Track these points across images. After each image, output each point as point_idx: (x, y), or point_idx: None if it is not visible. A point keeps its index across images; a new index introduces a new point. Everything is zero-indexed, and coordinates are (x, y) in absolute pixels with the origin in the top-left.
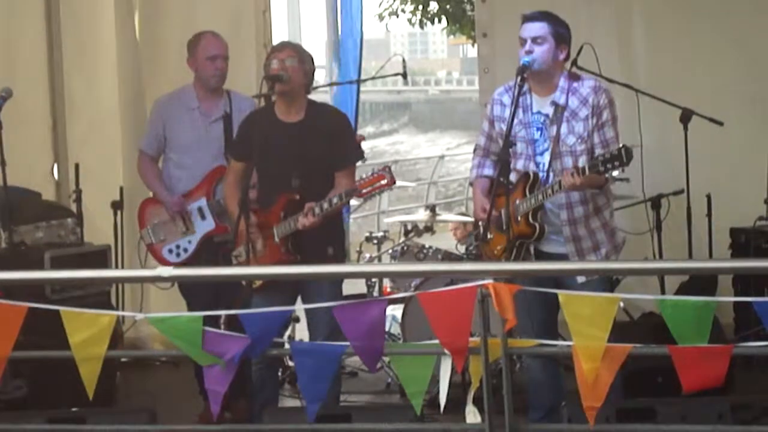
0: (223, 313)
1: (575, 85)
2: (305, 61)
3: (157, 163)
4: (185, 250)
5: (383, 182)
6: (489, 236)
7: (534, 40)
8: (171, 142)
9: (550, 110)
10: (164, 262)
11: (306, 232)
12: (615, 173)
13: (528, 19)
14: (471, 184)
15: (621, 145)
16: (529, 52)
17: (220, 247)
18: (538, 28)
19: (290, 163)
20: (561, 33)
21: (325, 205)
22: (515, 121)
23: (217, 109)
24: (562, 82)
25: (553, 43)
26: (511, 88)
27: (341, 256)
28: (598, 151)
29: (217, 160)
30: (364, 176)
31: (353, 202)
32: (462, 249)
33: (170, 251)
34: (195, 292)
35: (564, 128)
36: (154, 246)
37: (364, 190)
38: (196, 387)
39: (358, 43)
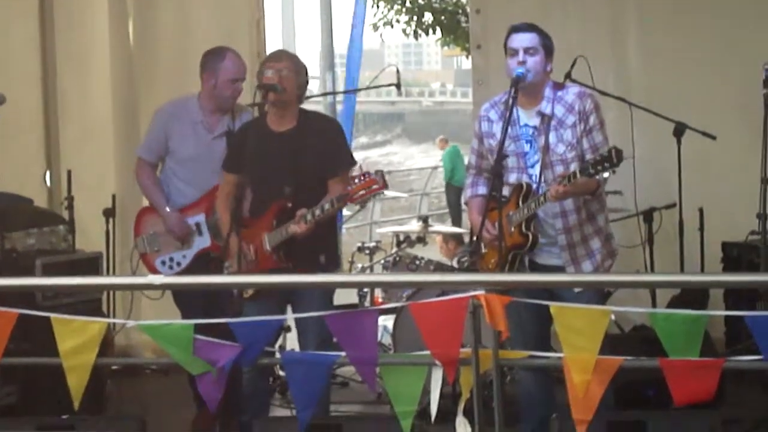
0: (214, 321)
1: (560, 93)
2: (300, 72)
3: (156, 171)
4: (178, 263)
5: (375, 186)
6: (483, 250)
7: (527, 50)
8: (173, 153)
9: (536, 121)
10: (156, 273)
11: (298, 240)
12: (606, 175)
13: (517, 29)
14: (466, 204)
15: (612, 147)
16: (523, 63)
17: (212, 259)
18: (529, 39)
19: (282, 171)
20: (548, 45)
21: (317, 212)
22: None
23: (220, 124)
24: (547, 92)
25: (543, 54)
26: (496, 103)
27: (334, 265)
28: (588, 156)
29: (220, 177)
30: (356, 181)
31: (346, 212)
32: (454, 260)
33: (163, 263)
34: (189, 304)
35: (552, 137)
36: (147, 256)
37: (356, 195)
38: (187, 395)
39: (360, 54)
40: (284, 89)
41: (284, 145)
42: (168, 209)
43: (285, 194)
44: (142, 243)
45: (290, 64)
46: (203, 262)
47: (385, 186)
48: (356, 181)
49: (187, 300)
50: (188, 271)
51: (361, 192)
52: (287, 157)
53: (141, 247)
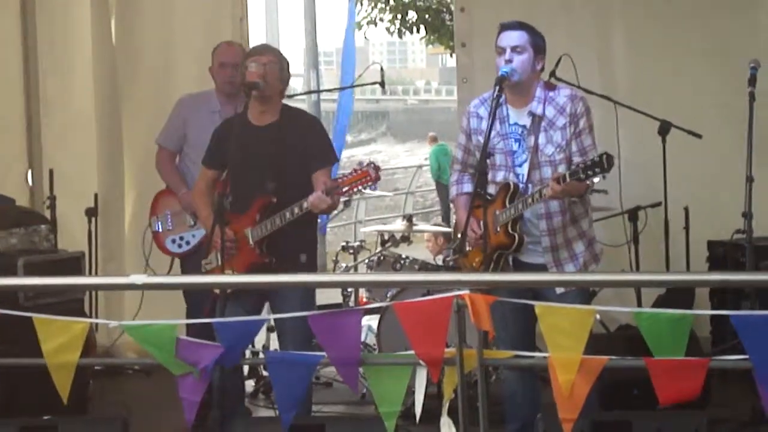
0: (198, 321)
1: (551, 94)
2: (283, 66)
3: (175, 158)
4: (188, 242)
5: (367, 179)
6: (467, 248)
7: (514, 49)
8: (190, 141)
9: (527, 121)
10: (166, 252)
11: (280, 238)
12: (596, 180)
13: (506, 28)
14: (452, 201)
15: (603, 152)
16: (509, 62)
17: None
18: (517, 37)
19: (265, 166)
20: (538, 43)
21: (305, 205)
22: (493, 132)
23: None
24: (539, 92)
25: (531, 52)
26: (486, 100)
27: (313, 264)
28: (576, 159)
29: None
30: (347, 173)
31: None
32: (439, 259)
33: (173, 241)
34: (196, 297)
35: (542, 138)
36: (159, 234)
37: (346, 187)
38: (169, 395)
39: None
40: (267, 84)
41: (266, 139)
42: (184, 189)
43: (268, 189)
44: (155, 222)
45: (273, 57)
46: None
47: (378, 178)
48: (347, 173)
49: (194, 295)
50: (196, 250)
51: (352, 184)
52: (269, 151)
53: (154, 226)
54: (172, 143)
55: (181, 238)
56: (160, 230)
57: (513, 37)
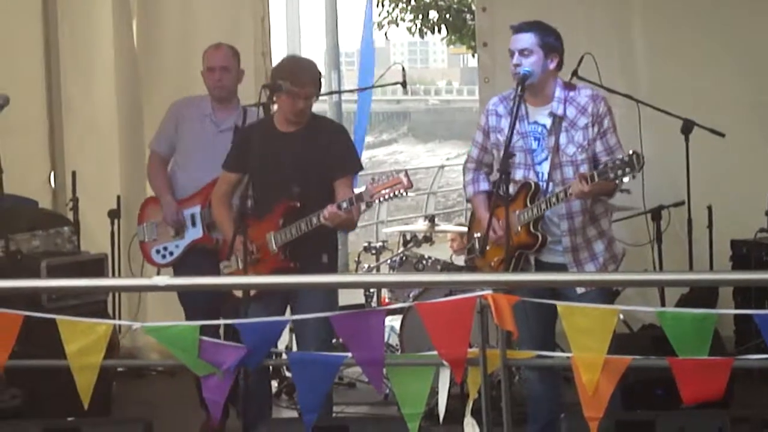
0: (220, 322)
1: (572, 94)
2: (319, 86)
3: (167, 164)
4: (171, 253)
5: (398, 185)
6: (486, 247)
7: (521, 52)
8: (180, 144)
9: (547, 121)
10: (151, 262)
11: (301, 240)
12: (626, 179)
13: (515, 30)
14: (469, 200)
15: (632, 151)
16: (517, 65)
17: (207, 253)
18: (524, 39)
19: (289, 172)
20: (549, 42)
21: (345, 205)
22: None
23: (228, 120)
24: (558, 92)
25: (541, 53)
26: (505, 98)
27: (334, 265)
28: (603, 158)
29: (220, 170)
30: (376, 179)
31: None
32: (461, 260)
33: (157, 252)
34: (193, 301)
35: (563, 138)
36: (145, 244)
37: (377, 194)
38: (192, 397)
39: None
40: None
41: (291, 146)
42: (168, 197)
43: (293, 194)
44: (142, 231)
45: (314, 88)
46: (198, 254)
47: (410, 185)
48: (377, 179)
49: (190, 297)
50: (180, 260)
51: (384, 191)
52: (294, 157)
53: (141, 235)
54: (162, 146)
55: (165, 249)
56: (146, 240)
57: (520, 40)
